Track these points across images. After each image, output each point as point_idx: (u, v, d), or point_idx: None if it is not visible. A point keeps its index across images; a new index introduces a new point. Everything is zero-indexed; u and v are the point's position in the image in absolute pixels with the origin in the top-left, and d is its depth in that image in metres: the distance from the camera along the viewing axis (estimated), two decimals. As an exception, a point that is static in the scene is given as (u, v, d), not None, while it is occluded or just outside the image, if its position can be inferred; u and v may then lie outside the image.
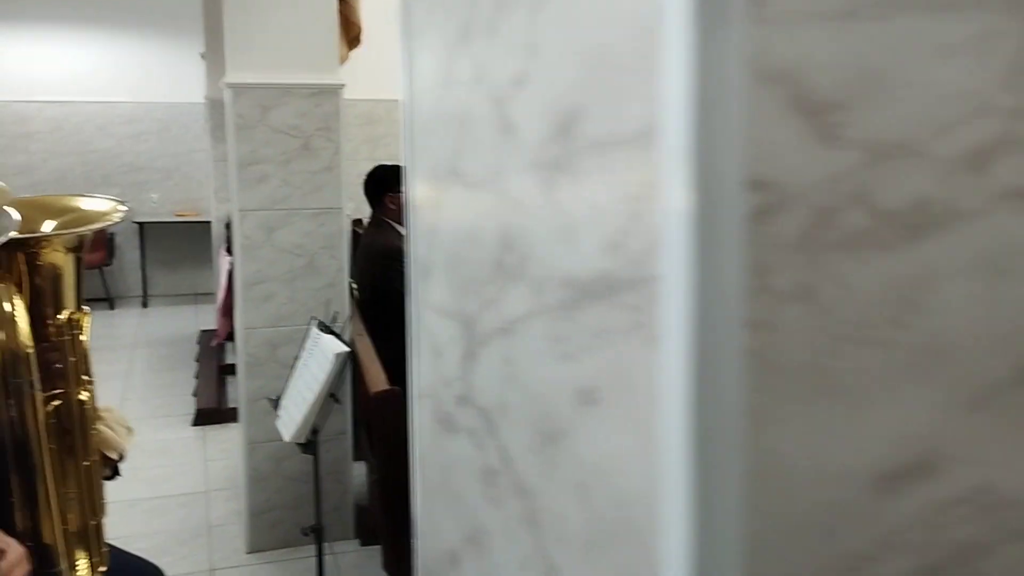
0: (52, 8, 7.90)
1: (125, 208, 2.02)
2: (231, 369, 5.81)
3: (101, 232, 7.79)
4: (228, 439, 4.80)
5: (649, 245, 0.42)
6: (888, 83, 0.43)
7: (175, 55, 8.01)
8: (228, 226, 6.48)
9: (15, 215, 1.57)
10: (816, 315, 0.43)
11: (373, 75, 5.97)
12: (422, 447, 0.80)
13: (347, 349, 2.48)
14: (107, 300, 8.06)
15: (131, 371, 6.09)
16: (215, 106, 6.57)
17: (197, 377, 5.75)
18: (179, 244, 8.31)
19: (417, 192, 0.77)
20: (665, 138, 0.40)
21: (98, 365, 1.82)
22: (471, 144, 0.63)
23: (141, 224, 8.12)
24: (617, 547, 0.47)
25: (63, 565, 1.78)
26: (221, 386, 5.62)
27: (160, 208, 8.23)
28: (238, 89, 3.44)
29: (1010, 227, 0.47)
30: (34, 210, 1.75)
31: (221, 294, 5.69)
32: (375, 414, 2.85)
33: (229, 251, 5.55)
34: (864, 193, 0.44)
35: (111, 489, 1.99)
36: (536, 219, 0.54)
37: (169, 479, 4.30)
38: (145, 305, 8.20)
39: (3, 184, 0.97)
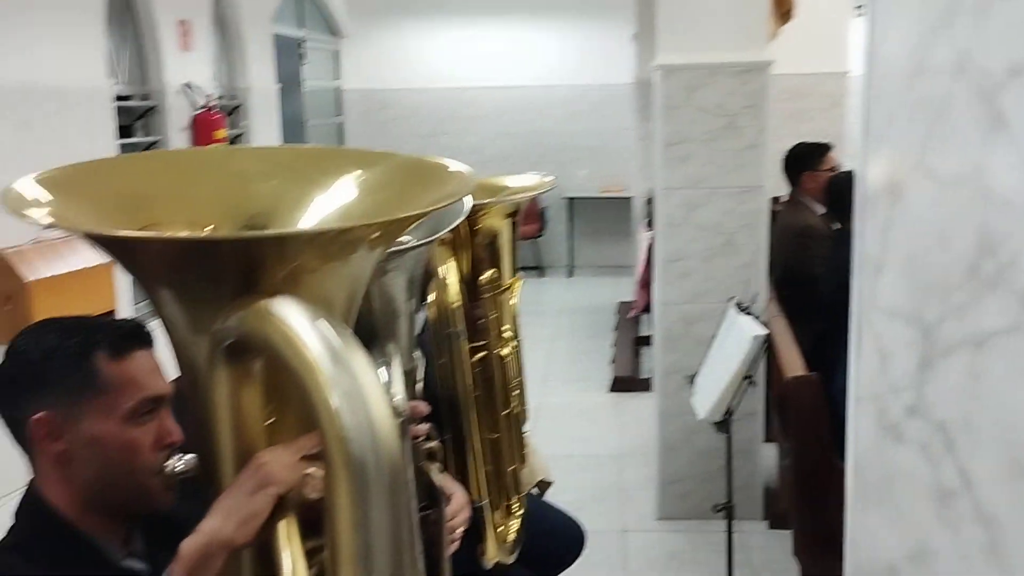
0: (504, 2, 8.70)
1: (550, 179, 2.17)
2: (646, 340, 6.01)
3: (534, 205, 8.47)
4: (641, 407, 4.98)
5: None
6: None
7: (608, 39, 8.40)
8: (648, 202, 6.69)
9: (468, 203, 1.77)
10: None
11: (799, 48, 5.75)
12: (859, 452, 0.76)
13: (765, 332, 2.43)
14: (538, 268, 8.76)
15: (556, 336, 6.55)
16: (642, 87, 6.78)
17: (614, 346, 6.02)
18: (603, 218, 8.75)
19: (871, 182, 0.72)
20: None
21: (527, 328, 1.99)
22: (945, 137, 0.58)
23: (570, 199, 8.69)
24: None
25: (485, 502, 1.98)
26: (636, 356, 5.83)
27: (588, 184, 8.72)
28: (667, 70, 3.51)
29: None
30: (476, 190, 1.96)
31: (640, 268, 5.90)
32: (791, 399, 2.78)
33: (649, 226, 5.73)
34: None
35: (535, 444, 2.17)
36: (1028, 224, 0.48)
37: (586, 440, 4.58)
38: (570, 275, 8.78)
39: (470, 169, 1.09)
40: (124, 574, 1.22)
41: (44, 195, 0.95)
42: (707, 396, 2.66)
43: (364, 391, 0.78)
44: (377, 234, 0.98)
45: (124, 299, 4.79)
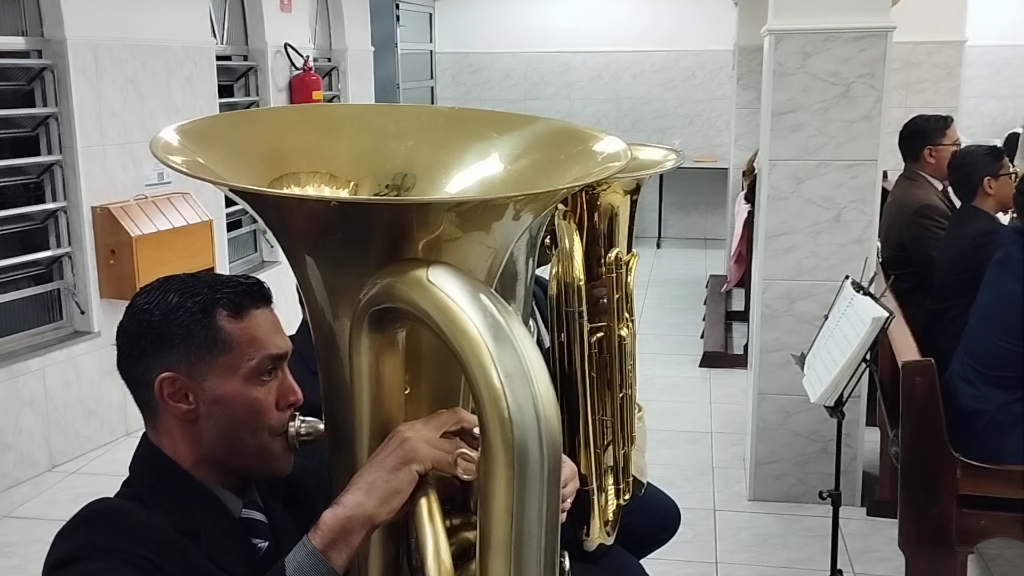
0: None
1: (676, 154, 2.08)
2: (737, 315, 5.87)
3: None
4: (732, 384, 4.87)
5: None
6: None
7: (707, 3, 8.15)
8: (745, 173, 6.49)
9: None
10: None
11: (912, 14, 5.46)
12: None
13: (887, 314, 2.31)
14: (624, 239, 8.63)
15: (644, 308, 6.44)
16: (743, 53, 6.56)
17: (704, 320, 5.90)
18: (695, 189, 8.55)
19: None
20: None
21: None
22: None
23: (660, 168, 8.52)
24: None
25: (592, 486, 1.92)
26: (727, 331, 5.71)
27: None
28: (779, 35, 3.36)
29: None
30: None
31: (735, 241, 5.74)
32: (904, 385, 2.65)
33: (747, 199, 5.55)
34: None
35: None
36: None
37: (676, 415, 4.48)
38: (658, 246, 8.62)
39: (623, 144, 1.02)
40: (244, 523, 1.20)
41: (188, 145, 0.92)
42: (819, 379, 2.55)
43: (528, 371, 0.73)
44: (523, 205, 0.92)
45: (222, 257, 4.87)
